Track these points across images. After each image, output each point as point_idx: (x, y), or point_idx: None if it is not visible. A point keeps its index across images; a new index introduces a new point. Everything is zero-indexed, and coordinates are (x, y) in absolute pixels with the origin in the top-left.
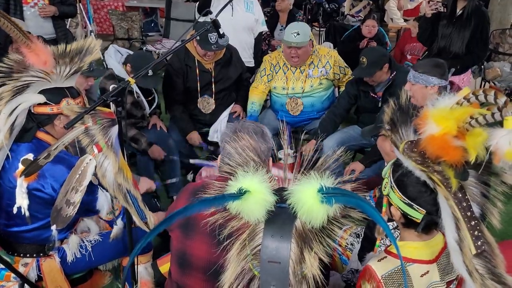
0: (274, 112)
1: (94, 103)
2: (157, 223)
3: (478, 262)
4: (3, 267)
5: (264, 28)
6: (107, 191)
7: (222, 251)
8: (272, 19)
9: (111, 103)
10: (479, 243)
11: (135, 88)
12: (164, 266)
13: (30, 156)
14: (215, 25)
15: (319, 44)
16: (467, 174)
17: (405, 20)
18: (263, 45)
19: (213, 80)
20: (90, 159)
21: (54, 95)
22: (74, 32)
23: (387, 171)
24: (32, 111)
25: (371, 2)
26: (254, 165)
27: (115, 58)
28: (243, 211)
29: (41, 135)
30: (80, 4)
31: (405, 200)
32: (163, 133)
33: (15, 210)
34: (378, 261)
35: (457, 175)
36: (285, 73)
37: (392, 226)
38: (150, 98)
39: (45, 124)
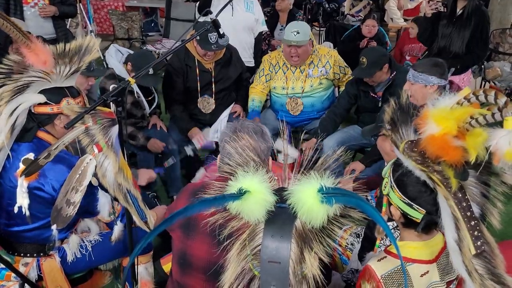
0: (274, 112)
1: (94, 103)
2: (157, 219)
3: (478, 262)
4: (4, 266)
5: (264, 28)
6: (107, 191)
7: (222, 251)
8: (272, 19)
9: (111, 103)
10: (478, 243)
11: (135, 88)
12: (168, 265)
13: (31, 156)
14: (215, 25)
15: (319, 44)
16: (467, 174)
17: (405, 20)
18: (263, 45)
19: (213, 80)
20: (91, 159)
21: (54, 94)
22: (74, 32)
23: (387, 170)
24: (33, 111)
25: (371, 2)
26: (254, 165)
27: (116, 58)
28: (243, 211)
29: (41, 134)
30: (80, 4)
31: (405, 199)
32: (163, 133)
33: (15, 209)
34: (377, 261)
35: (457, 175)
36: (284, 73)
37: (392, 226)
38: (150, 98)
39: (45, 123)
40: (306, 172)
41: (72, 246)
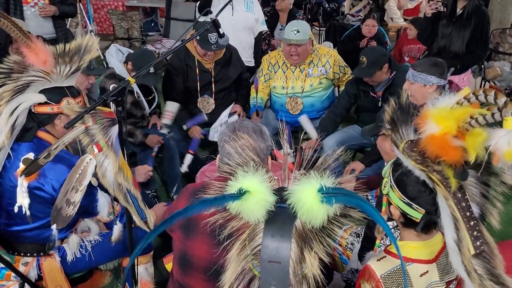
0: (274, 112)
1: (94, 102)
2: (157, 217)
3: (477, 263)
4: (4, 266)
5: (264, 28)
6: (107, 191)
7: (222, 251)
8: (272, 19)
9: (111, 102)
10: (478, 243)
11: (135, 87)
12: (170, 264)
13: (31, 155)
14: (215, 24)
15: (319, 44)
16: (466, 174)
17: (405, 20)
18: (263, 44)
19: (213, 80)
20: (90, 159)
21: (55, 94)
22: (74, 32)
23: (387, 170)
24: (33, 111)
25: (371, 1)
26: (254, 165)
27: (117, 57)
28: (243, 211)
29: (41, 134)
30: (80, 3)
31: (404, 199)
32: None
33: (16, 209)
34: (377, 260)
35: (456, 175)
36: (284, 72)
37: (392, 225)
38: (150, 98)
39: (45, 123)
40: (306, 172)
41: (72, 246)
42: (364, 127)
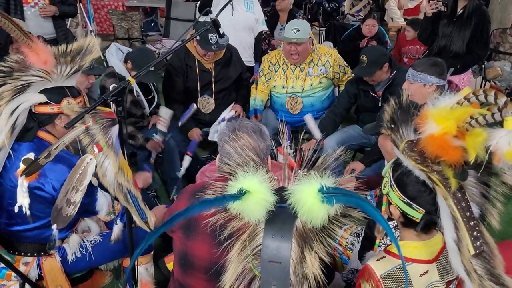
0: (274, 112)
1: (95, 102)
2: (156, 220)
3: (477, 263)
4: (4, 266)
5: (264, 28)
6: (107, 191)
7: (223, 251)
8: (272, 19)
9: (111, 102)
10: (478, 243)
11: (135, 86)
12: (172, 263)
13: (31, 155)
14: (215, 24)
15: (319, 43)
16: (466, 174)
17: (405, 20)
18: (263, 44)
19: (213, 80)
20: (91, 159)
21: (55, 94)
22: (74, 32)
23: (387, 170)
24: (33, 111)
25: (371, 1)
26: (254, 165)
27: (117, 56)
28: (244, 211)
29: (42, 134)
30: (80, 4)
31: (404, 199)
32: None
33: (16, 209)
34: (377, 260)
35: (456, 175)
36: (284, 72)
37: (392, 225)
38: (149, 97)
39: (46, 123)
40: (306, 172)
41: (72, 246)
42: (365, 125)
